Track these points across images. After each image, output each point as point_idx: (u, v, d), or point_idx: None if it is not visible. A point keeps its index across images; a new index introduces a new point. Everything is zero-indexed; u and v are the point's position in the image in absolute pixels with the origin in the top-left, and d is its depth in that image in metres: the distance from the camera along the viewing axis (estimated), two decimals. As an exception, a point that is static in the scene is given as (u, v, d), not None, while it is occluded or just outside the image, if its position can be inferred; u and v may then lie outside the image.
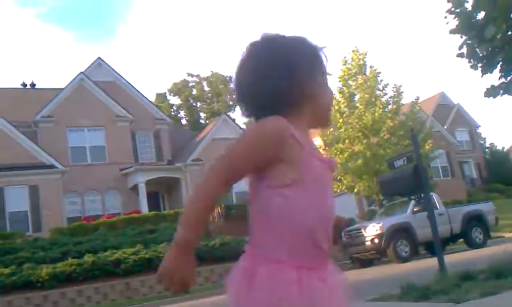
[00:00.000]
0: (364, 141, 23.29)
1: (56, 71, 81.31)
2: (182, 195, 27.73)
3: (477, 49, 10.24)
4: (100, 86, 28.29)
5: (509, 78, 10.45)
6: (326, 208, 1.49)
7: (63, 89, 28.03)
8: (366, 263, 16.76)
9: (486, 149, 50.40)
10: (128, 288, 16.74)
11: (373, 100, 24.34)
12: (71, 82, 28.11)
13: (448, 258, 8.70)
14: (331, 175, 1.56)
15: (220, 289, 15.32)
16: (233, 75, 1.67)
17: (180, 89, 59.76)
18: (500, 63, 10.28)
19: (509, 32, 9.58)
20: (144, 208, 25.74)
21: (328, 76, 1.60)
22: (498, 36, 9.42)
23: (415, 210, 16.05)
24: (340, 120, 24.32)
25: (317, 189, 1.46)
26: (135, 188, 26.95)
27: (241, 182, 1.56)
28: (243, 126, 45.84)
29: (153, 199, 27.90)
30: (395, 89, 25.20)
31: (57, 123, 26.86)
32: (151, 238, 19.50)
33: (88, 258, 16.93)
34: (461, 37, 10.03)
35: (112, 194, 27.03)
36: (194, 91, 61.25)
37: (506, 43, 9.66)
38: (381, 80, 25.40)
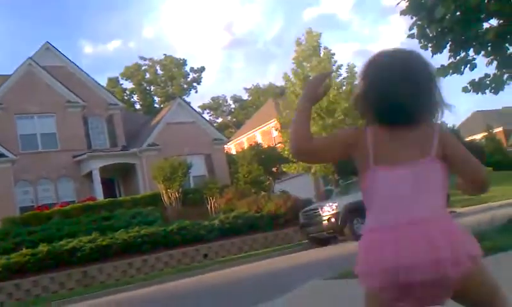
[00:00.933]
0: (319, 122, 23.52)
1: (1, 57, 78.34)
2: (138, 181, 27.37)
3: (427, 30, 10.43)
4: (49, 71, 27.42)
5: (458, 58, 10.72)
6: None
7: (10, 75, 27.03)
8: (323, 242, 16.99)
9: (437, 128, 51.80)
10: (85, 276, 16.49)
11: (327, 81, 24.54)
12: (19, 67, 27.11)
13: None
14: None
15: (179, 273, 15.30)
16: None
17: (132, 73, 58.70)
18: (450, 43, 10.52)
19: (458, 13, 9.78)
20: (99, 195, 25.27)
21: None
22: (447, 17, 9.61)
23: (369, 188, 16.33)
24: (296, 102, 24.44)
25: None
26: (89, 175, 26.40)
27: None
28: (198, 110, 45.61)
29: (108, 186, 27.39)
30: (348, 70, 25.51)
31: (6, 110, 25.89)
32: (107, 225, 19.22)
33: (43, 248, 16.57)
34: (412, 18, 10.21)
35: (65, 182, 26.39)
36: (148, 75, 60.32)
37: (455, 24, 9.86)
38: (335, 62, 25.67)
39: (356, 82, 1.88)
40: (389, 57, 1.77)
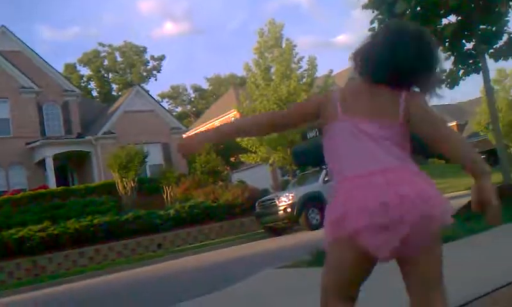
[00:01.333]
0: (279, 113, 23.54)
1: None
2: (92, 169, 26.81)
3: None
4: (4, 55, 26.50)
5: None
6: None
7: (-39, 58, 25.96)
8: (279, 231, 17.06)
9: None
10: (35, 266, 16.04)
11: (288, 72, 24.61)
12: (-29, 50, 26.11)
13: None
14: None
15: (132, 264, 15.06)
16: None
17: (90, 59, 57.42)
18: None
19: (418, 8, 9.91)
20: (52, 184, 24.62)
21: None
22: (408, 12, 9.73)
23: (326, 179, 16.45)
24: (256, 92, 24.42)
25: None
26: (42, 163, 25.70)
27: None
28: (157, 98, 45.02)
29: (62, 174, 26.73)
30: (309, 63, 25.59)
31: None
32: (59, 214, 18.74)
33: (-10, 237, 16.02)
34: (373, 12, 10.28)
35: (16, 169, 25.58)
36: (106, 62, 59.11)
37: (415, 19, 9.96)
38: (296, 53, 25.69)
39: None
40: (409, 28, 1.92)
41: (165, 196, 22.13)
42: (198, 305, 4.97)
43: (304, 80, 25.24)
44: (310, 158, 9.15)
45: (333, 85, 28.74)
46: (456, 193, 22.99)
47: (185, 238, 19.00)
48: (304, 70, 25.60)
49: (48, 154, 25.36)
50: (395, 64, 1.83)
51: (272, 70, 25.44)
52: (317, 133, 9.16)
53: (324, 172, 16.40)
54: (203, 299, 5.26)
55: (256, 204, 17.85)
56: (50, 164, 25.25)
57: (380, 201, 1.66)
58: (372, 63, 1.89)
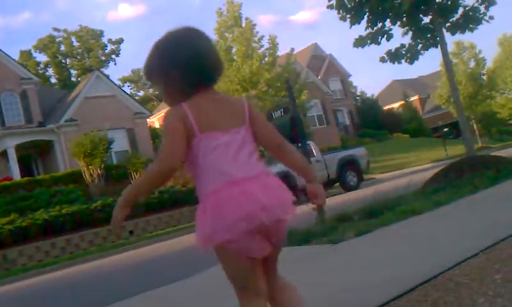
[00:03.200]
0: (243, 94, 23.56)
1: None
2: (57, 158, 26.34)
3: (345, 0, 10.67)
4: (-46, 44, 25.63)
5: (375, 28, 11.07)
6: None
7: None
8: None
9: (357, 97, 53.52)
10: (5, 259, 15.76)
11: (250, 52, 24.60)
12: None
13: (326, 202, 9.18)
14: None
15: (107, 251, 15.00)
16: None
17: (46, 45, 55.78)
18: (367, 14, 10.83)
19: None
20: (16, 175, 24.12)
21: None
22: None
23: (293, 158, 16.66)
24: (218, 74, 24.36)
25: None
26: (4, 154, 25.10)
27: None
28: (118, 83, 44.29)
29: (26, 165, 26.21)
30: (270, 42, 25.62)
31: None
32: (26, 205, 18.43)
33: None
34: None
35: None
36: (63, 47, 57.56)
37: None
38: (257, 32, 25.69)
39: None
40: (192, 33, 1.97)
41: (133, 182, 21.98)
42: (173, 290, 5.04)
43: (266, 59, 25.30)
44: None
45: (295, 63, 28.92)
46: (420, 166, 23.64)
47: (156, 224, 18.96)
48: (266, 49, 25.65)
49: (10, 145, 24.80)
50: (218, 63, 1.97)
51: (234, 50, 25.40)
52: (282, 113, 9.23)
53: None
54: (174, 286, 5.32)
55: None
56: (12, 155, 24.71)
57: (247, 210, 1.76)
58: (201, 68, 1.91)
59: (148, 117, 31.02)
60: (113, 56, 60.10)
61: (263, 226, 1.78)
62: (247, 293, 1.90)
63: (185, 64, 1.90)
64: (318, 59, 46.22)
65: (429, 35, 11.11)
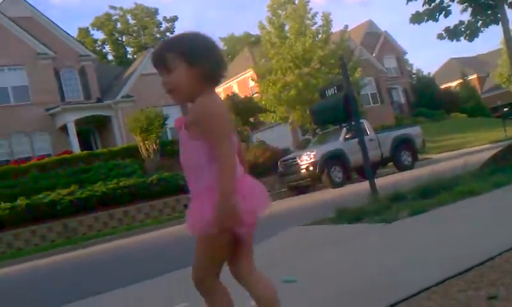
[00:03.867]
0: (296, 71, 23.44)
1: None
2: (114, 133, 27.13)
3: (403, -23, 10.40)
4: (17, 22, 26.57)
5: (433, 4, 10.74)
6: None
7: (-25, 26, 26.11)
8: (302, 190, 17.28)
9: (413, 76, 52.13)
10: (66, 229, 16.53)
11: (303, 29, 24.36)
12: (-15, 19, 26.20)
13: (379, 181, 9.09)
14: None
15: (157, 225, 15.45)
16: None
17: (103, 23, 57.09)
18: (426, -11, 10.52)
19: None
20: (76, 148, 25.03)
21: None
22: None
23: (346, 137, 16.56)
24: (272, 51, 24.27)
25: None
26: (64, 128, 26.06)
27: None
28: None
29: (85, 139, 27.12)
30: (323, 18, 25.27)
31: (-26, 62, 25.20)
32: (85, 178, 19.16)
33: (21, 201, 16.50)
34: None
35: (40, 136, 25.98)
36: (119, 25, 58.76)
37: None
38: (310, 9, 25.38)
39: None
40: (208, 38, 2.08)
41: (187, 158, 22.38)
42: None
43: (319, 36, 25.00)
44: (329, 116, 9.13)
45: (349, 40, 28.45)
46: (478, 147, 22.94)
47: (209, 198, 19.31)
48: (319, 26, 25.30)
49: (70, 119, 25.69)
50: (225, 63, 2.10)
51: (287, 27, 25.21)
52: (336, 91, 9.15)
53: (344, 130, 16.49)
54: None
55: (279, 163, 18.05)
56: (72, 129, 25.62)
57: (262, 200, 2.06)
58: (223, 69, 2.07)
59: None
60: (168, 34, 60.89)
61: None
62: (215, 274, 2.07)
63: (219, 58, 2.05)
64: (372, 36, 45.22)
65: (489, 12, 10.68)
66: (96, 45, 57.01)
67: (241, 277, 2.11)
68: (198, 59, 1.99)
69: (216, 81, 2.05)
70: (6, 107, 25.36)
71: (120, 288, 4.94)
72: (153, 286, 4.74)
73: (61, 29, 29.48)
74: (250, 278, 2.11)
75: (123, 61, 51.53)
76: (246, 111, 27.91)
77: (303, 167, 16.41)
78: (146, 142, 22.46)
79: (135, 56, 51.74)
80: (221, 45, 70.56)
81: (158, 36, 59.97)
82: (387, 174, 16.53)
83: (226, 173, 1.90)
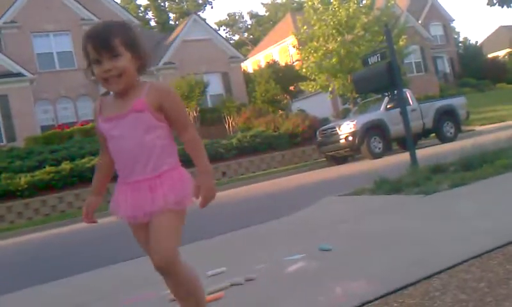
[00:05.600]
0: (338, 39, 23.02)
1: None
2: (155, 99, 27.45)
3: None
4: (60, -13, 27.02)
5: (484, -31, 10.30)
6: None
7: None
8: (340, 160, 17.16)
9: (460, 44, 50.47)
10: (108, 193, 16.90)
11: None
12: (30, -16, 26.68)
13: (421, 153, 8.94)
14: None
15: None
16: None
17: (146, -12, 57.37)
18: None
19: None
20: (119, 114, 25.51)
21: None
22: None
23: (388, 106, 16.27)
24: (314, 17, 23.83)
25: None
26: (107, 94, 26.51)
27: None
28: (214, 27, 44.87)
29: (127, 105, 27.58)
30: (367, -17, 24.59)
31: (21, 28, 25.76)
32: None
33: (66, 165, 16.99)
34: None
35: (84, 101, 26.56)
36: (162, -10, 58.95)
37: None
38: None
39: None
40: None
41: (227, 125, 22.55)
42: (265, 229, 5.22)
43: (363, 2, 24.41)
44: (371, 85, 8.95)
45: (394, 6, 27.69)
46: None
47: (247, 167, 19.47)
48: (363, -9, 24.67)
49: (112, 85, 26.10)
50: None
51: (330, -8, 24.66)
52: (379, 59, 8.94)
53: (386, 99, 16.18)
54: (270, 224, 5.51)
55: (317, 133, 17.92)
56: (114, 95, 26.06)
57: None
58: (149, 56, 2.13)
59: (242, 61, 31.30)
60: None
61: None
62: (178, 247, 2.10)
63: (149, 51, 2.15)
64: (419, 2, 43.87)
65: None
66: (139, 11, 57.43)
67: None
68: (138, 48, 2.07)
69: (144, 72, 2.13)
70: (52, 73, 25.97)
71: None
72: (190, 251, 4.82)
73: (104, -6, 29.78)
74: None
75: (166, 27, 51.82)
76: (286, 79, 27.74)
77: (342, 137, 16.25)
78: (186, 109, 22.64)
79: (177, 22, 51.92)
80: (262, 11, 70.11)
81: (200, 1, 59.92)
82: (429, 146, 16.21)
83: (203, 151, 2.08)
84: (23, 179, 16.04)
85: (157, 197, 2.00)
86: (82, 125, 22.46)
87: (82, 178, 16.84)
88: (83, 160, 17.49)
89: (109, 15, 28.57)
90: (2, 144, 22.06)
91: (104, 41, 2.01)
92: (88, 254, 6.64)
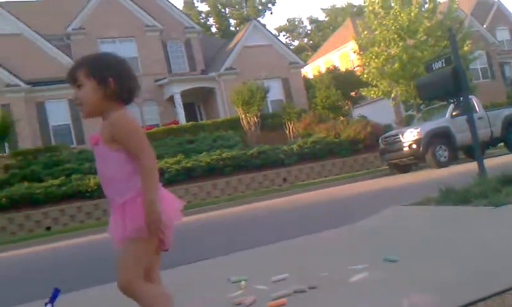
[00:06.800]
0: (400, 44, 22.68)
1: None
2: (217, 104, 27.96)
3: None
4: (134, -5, 27.99)
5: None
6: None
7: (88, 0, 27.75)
8: (404, 168, 16.85)
9: (528, 48, 48.35)
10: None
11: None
12: (98, -9, 27.77)
13: (488, 162, 8.70)
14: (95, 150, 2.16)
15: (256, 196, 15.88)
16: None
17: (207, -5, 58.39)
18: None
19: None
20: (182, 119, 26.15)
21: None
22: None
23: (453, 113, 15.87)
24: (375, 22, 23.60)
25: None
26: (171, 99, 27.26)
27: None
28: (274, 32, 45.14)
29: (190, 110, 28.22)
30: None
31: (88, 34, 26.84)
32: (190, 148, 20.04)
33: (132, 168, 17.59)
34: None
35: (149, 106, 27.35)
36: (223, -3, 59.81)
37: None
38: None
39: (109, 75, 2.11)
40: (118, 58, 2.23)
41: (287, 131, 22.66)
42: (327, 237, 5.25)
43: (426, 6, 23.94)
44: (436, 91, 8.76)
45: (458, 10, 26.97)
46: None
47: (308, 173, 19.51)
48: (426, -5, 24.19)
49: (176, 90, 26.80)
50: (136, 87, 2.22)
51: (392, -4, 24.33)
52: (443, 64, 8.77)
53: (451, 106, 15.77)
54: (332, 232, 5.53)
55: (380, 140, 17.70)
56: (178, 100, 26.73)
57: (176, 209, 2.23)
58: (132, 90, 2.18)
59: (302, 67, 31.37)
60: (269, 5, 61.14)
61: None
62: (141, 276, 2.12)
63: (128, 78, 2.17)
64: (484, 5, 42.43)
65: None
66: (201, 17, 58.55)
67: (151, 281, 2.22)
68: (104, 77, 2.11)
69: (126, 99, 2.17)
70: (118, 78, 26.88)
71: (222, 255, 5.17)
72: (253, 256, 4.95)
73: (168, 1, 30.57)
74: (158, 284, 2.24)
75: (227, 33, 52.58)
76: (346, 85, 27.57)
77: (406, 144, 15.95)
78: (247, 114, 22.99)
79: (237, 28, 52.58)
80: (322, 16, 69.88)
81: (260, 7, 60.43)
82: (497, 155, 15.71)
83: (151, 181, 2.05)
84: (92, 180, 16.76)
85: (120, 226, 2.08)
86: (147, 129, 23.17)
87: (146, 181, 17.39)
88: (148, 164, 18.03)
89: (172, 22, 29.41)
90: (72, 146, 23.09)
91: (69, 73, 2.17)
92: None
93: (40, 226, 16.08)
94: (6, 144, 21.19)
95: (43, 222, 16.16)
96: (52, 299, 2.76)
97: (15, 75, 23.12)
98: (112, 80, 2.11)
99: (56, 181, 16.96)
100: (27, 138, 22.77)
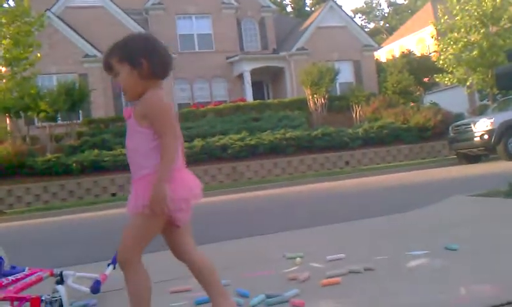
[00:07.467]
0: (482, 31, 21.60)
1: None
2: (285, 84, 27.89)
3: None
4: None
5: None
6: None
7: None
8: (473, 159, 16.23)
9: None
10: (234, 171, 17.71)
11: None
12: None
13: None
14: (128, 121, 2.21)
15: (317, 177, 15.77)
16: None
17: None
18: None
19: None
20: (249, 97, 26.30)
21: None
22: None
23: (531, 106, 15.06)
24: (457, 7, 22.58)
25: None
26: (240, 76, 27.45)
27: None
28: (350, 14, 44.25)
29: (258, 88, 28.33)
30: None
31: (166, 10, 27.46)
32: (255, 126, 20.16)
33: (198, 143, 18.00)
34: None
35: (219, 82, 27.74)
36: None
37: None
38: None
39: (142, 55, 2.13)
40: (148, 37, 2.27)
41: (354, 115, 22.30)
42: (388, 221, 5.16)
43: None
44: None
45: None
46: None
47: (372, 158, 19.15)
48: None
49: (246, 68, 26.94)
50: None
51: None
52: (526, 53, 8.28)
53: (530, 98, 14.98)
54: (393, 217, 5.42)
55: (450, 128, 17.09)
56: (247, 78, 26.89)
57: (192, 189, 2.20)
58: (166, 64, 2.20)
59: (376, 50, 30.59)
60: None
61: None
62: (140, 254, 2.16)
63: (160, 56, 2.18)
64: None
65: None
66: (277, -4, 58.28)
67: (185, 254, 2.24)
68: (135, 60, 2.13)
69: (161, 76, 2.20)
70: (191, 53, 27.42)
71: (271, 233, 5.23)
72: (314, 234, 4.94)
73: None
74: (194, 253, 2.24)
75: (301, 13, 52.07)
76: (420, 70, 26.66)
77: (477, 134, 15.30)
78: (315, 95, 22.79)
79: (313, 9, 51.97)
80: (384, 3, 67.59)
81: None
82: None
83: (166, 162, 2.07)
84: (159, 153, 17.21)
85: (131, 200, 2.13)
86: (215, 105, 23.53)
87: (211, 155, 17.76)
88: (213, 139, 18.38)
89: (248, 0, 29.42)
90: (143, 117, 23.76)
91: (104, 64, 2.23)
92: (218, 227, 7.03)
93: (106, 191, 16.78)
94: (80, 112, 22.17)
95: (109, 188, 16.85)
96: (114, 261, 2.97)
97: (93, 46, 24.02)
98: (144, 61, 2.14)
99: (125, 151, 17.54)
100: (100, 107, 23.70)
